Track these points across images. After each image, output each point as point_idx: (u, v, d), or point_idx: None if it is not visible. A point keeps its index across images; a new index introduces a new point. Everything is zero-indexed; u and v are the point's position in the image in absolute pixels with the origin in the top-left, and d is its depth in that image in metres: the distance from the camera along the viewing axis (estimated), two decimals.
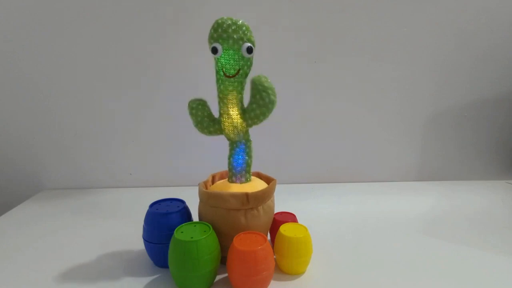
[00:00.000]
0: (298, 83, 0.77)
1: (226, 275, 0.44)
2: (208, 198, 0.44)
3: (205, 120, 0.46)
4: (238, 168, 0.47)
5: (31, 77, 0.73)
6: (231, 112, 0.44)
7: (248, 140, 0.47)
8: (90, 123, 0.77)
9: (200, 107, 0.46)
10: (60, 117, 0.76)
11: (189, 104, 0.46)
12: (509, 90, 0.82)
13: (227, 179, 0.50)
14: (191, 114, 0.46)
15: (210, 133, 0.47)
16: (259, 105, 0.43)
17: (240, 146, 0.47)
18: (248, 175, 0.48)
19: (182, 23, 0.72)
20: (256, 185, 0.48)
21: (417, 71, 0.79)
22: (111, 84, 0.74)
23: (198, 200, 0.47)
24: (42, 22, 0.70)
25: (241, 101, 0.44)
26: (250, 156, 0.47)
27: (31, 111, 0.75)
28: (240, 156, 0.47)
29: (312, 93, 0.78)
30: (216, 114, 0.47)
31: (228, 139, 0.47)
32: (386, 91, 0.79)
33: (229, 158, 0.48)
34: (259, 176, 0.52)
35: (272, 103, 0.43)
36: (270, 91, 0.42)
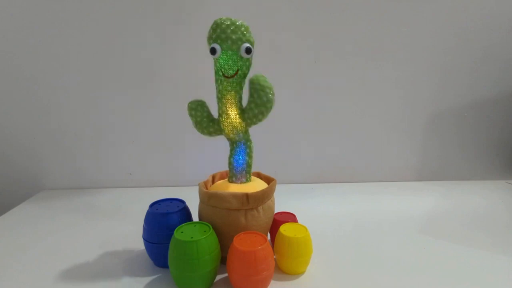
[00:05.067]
0: (298, 83, 0.77)
1: (226, 275, 0.44)
2: (208, 199, 0.44)
3: (204, 120, 0.46)
4: (239, 168, 0.47)
5: (31, 77, 0.73)
6: (230, 112, 0.44)
7: (248, 140, 0.47)
8: (90, 123, 0.77)
9: (199, 107, 0.46)
10: (60, 117, 0.76)
11: (188, 105, 0.46)
12: (509, 90, 0.82)
13: (227, 179, 0.50)
14: (191, 115, 0.46)
15: (209, 133, 0.47)
16: (257, 104, 0.43)
17: (240, 146, 0.47)
18: (248, 175, 0.48)
19: (182, 23, 0.72)
20: (256, 185, 0.48)
21: (417, 71, 0.79)
22: (111, 84, 0.74)
23: (198, 200, 0.47)
24: (42, 21, 0.70)
25: (239, 101, 0.44)
26: (250, 157, 0.47)
27: (31, 111, 0.75)
28: (240, 156, 0.47)
29: (312, 93, 0.78)
30: (215, 114, 0.47)
31: (228, 139, 0.47)
32: (386, 91, 0.79)
33: (229, 158, 0.48)
34: (259, 176, 0.52)
35: (270, 101, 0.42)
36: (268, 90, 0.42)
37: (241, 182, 0.48)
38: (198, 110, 0.46)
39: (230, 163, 0.48)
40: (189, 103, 0.46)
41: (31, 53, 0.71)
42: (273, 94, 0.42)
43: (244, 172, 0.48)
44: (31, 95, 0.74)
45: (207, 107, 0.46)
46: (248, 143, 0.47)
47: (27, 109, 0.75)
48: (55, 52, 0.71)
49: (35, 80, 0.73)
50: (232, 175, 0.48)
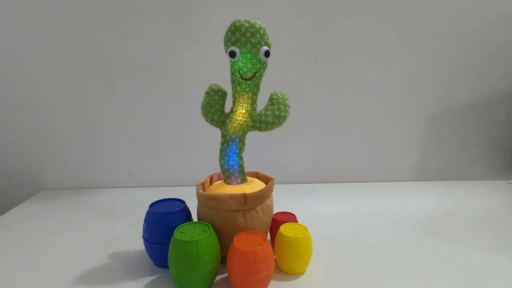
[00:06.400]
0: (297, 83, 0.77)
1: (226, 275, 0.44)
2: (206, 200, 0.44)
3: (216, 107, 0.45)
4: (231, 170, 0.47)
5: (30, 76, 0.73)
6: (243, 111, 0.45)
7: (242, 143, 0.47)
8: (90, 123, 0.76)
9: (220, 93, 0.45)
10: (60, 116, 0.76)
11: (211, 86, 0.45)
12: (509, 90, 0.82)
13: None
14: (208, 94, 0.45)
15: (212, 120, 0.46)
16: (275, 115, 0.46)
17: (231, 148, 0.47)
18: (242, 175, 0.48)
19: (183, 23, 0.72)
20: (254, 186, 0.48)
21: (418, 71, 0.79)
22: (112, 84, 0.74)
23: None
24: (43, 20, 0.70)
25: (255, 101, 0.45)
26: (240, 157, 0.48)
27: (31, 111, 0.75)
28: (230, 158, 0.47)
29: (312, 94, 0.78)
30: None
31: (226, 135, 0.47)
32: (386, 91, 0.79)
33: (220, 161, 0.48)
34: (257, 176, 0.52)
35: (285, 118, 0.47)
36: (288, 108, 0.47)
37: (237, 183, 0.48)
38: (217, 95, 0.45)
39: (221, 166, 0.48)
40: (214, 84, 0.46)
41: (31, 52, 0.71)
42: (288, 114, 0.46)
43: (237, 173, 0.48)
44: (31, 95, 0.74)
45: (225, 99, 0.46)
46: (241, 144, 0.47)
47: (27, 109, 0.75)
48: (55, 51, 0.71)
49: (35, 79, 0.73)
50: (226, 177, 0.48)
